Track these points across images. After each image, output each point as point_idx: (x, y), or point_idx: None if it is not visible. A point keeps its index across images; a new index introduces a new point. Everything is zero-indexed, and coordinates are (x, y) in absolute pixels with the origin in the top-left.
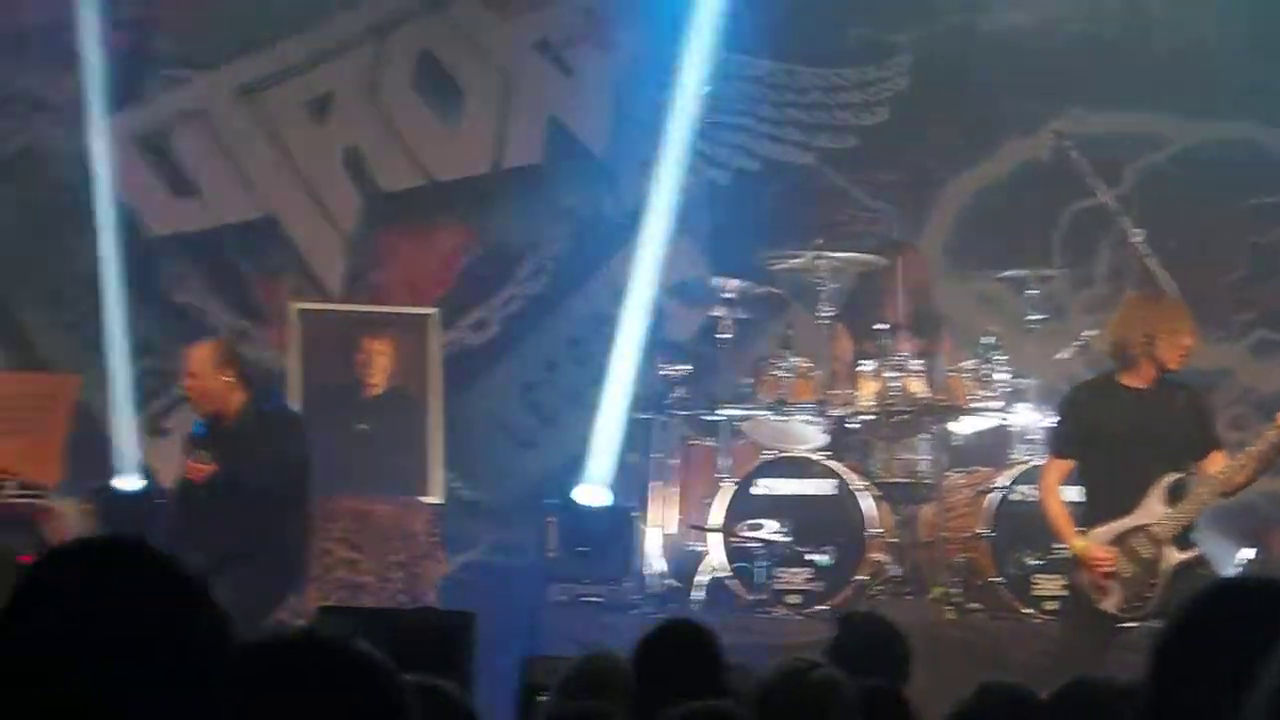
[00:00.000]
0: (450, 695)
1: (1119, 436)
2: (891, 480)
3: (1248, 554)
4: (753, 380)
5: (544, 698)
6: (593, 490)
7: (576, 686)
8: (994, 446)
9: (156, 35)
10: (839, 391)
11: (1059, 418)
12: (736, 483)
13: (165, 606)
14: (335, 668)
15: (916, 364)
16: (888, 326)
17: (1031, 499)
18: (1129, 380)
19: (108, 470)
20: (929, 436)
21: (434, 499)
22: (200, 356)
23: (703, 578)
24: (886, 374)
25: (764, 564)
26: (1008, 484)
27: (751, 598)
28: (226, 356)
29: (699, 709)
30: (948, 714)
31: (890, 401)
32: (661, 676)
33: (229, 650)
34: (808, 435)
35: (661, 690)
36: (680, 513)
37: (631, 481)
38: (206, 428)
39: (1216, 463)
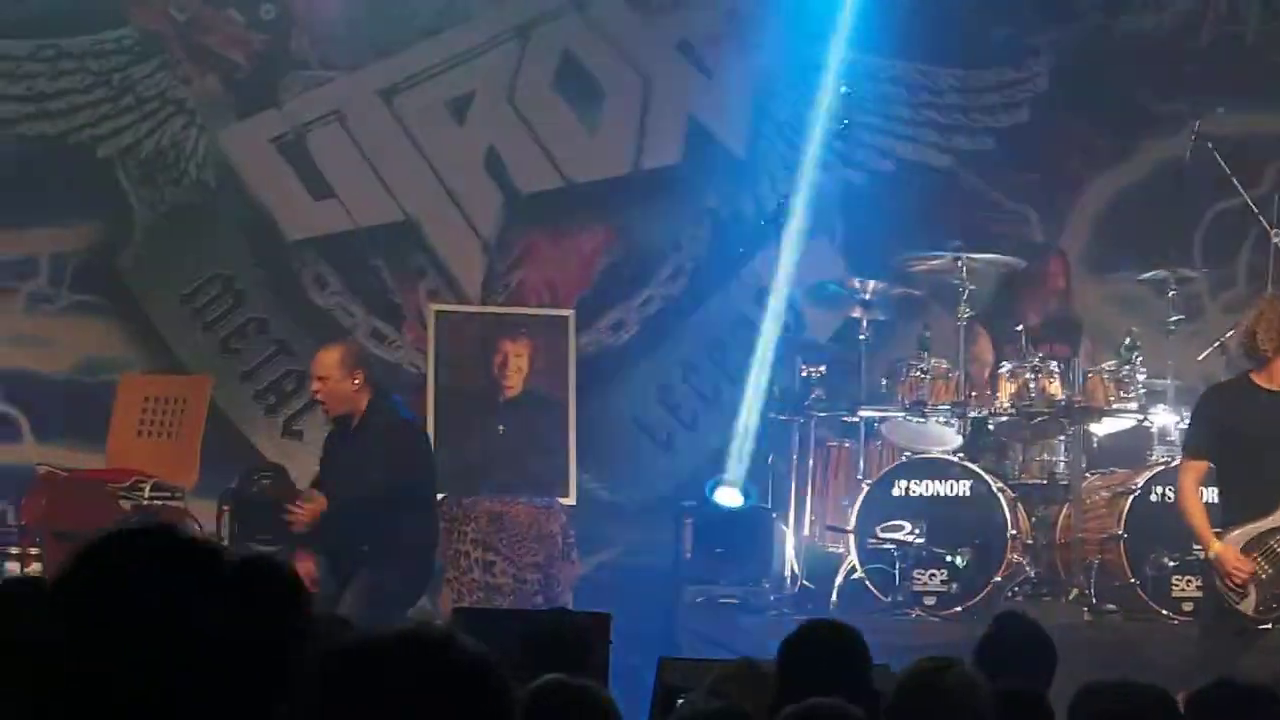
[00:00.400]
0: (594, 694)
1: (1254, 438)
2: (1029, 482)
3: None
4: (890, 382)
5: (683, 699)
6: (730, 491)
7: (720, 688)
8: (1132, 448)
9: (295, 37)
10: (977, 393)
11: (1193, 419)
12: (874, 484)
13: (183, 593)
14: (436, 666)
15: (1055, 365)
16: (1026, 328)
17: (1169, 500)
18: (1263, 381)
19: (244, 471)
20: (1066, 438)
21: (570, 500)
22: (328, 360)
23: (840, 579)
24: (1025, 375)
25: (901, 565)
26: (1145, 485)
27: (888, 599)
28: (355, 359)
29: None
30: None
31: (1028, 403)
32: (806, 677)
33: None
34: (945, 437)
35: (805, 691)
36: (817, 514)
37: (769, 483)
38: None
39: None
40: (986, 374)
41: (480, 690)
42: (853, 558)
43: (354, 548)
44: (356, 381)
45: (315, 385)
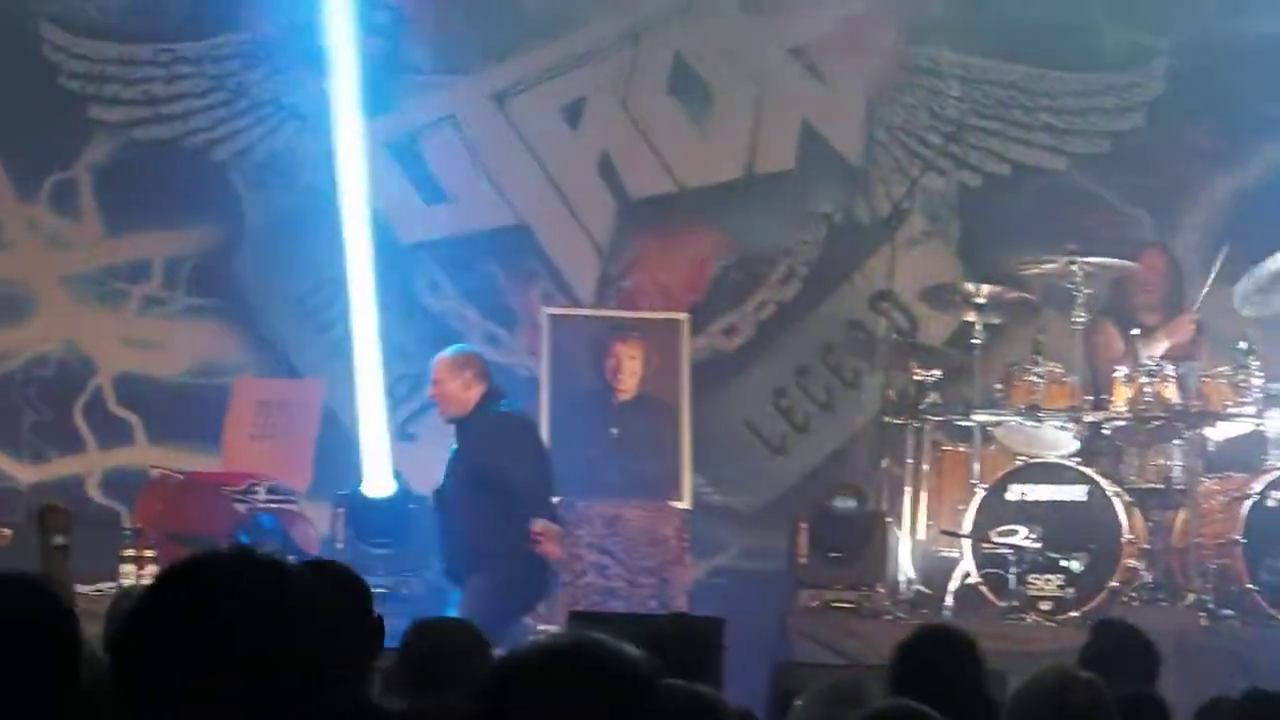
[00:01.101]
0: (714, 702)
1: None
2: (1144, 486)
3: None
4: (1005, 386)
5: (797, 704)
6: (843, 496)
7: (831, 697)
8: (1249, 452)
9: (408, 41)
10: (1092, 397)
11: None
12: (988, 488)
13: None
14: (601, 672)
15: (1171, 369)
16: (1142, 332)
17: None
18: None
19: (356, 475)
20: (1182, 442)
21: (684, 504)
22: (441, 363)
23: (954, 584)
24: (1141, 379)
25: (1016, 570)
26: (1263, 490)
27: (1003, 604)
28: (466, 361)
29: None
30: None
31: (1144, 407)
32: (918, 683)
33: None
34: (1060, 441)
35: (917, 696)
36: (932, 518)
37: (883, 487)
38: None
39: None
40: (1099, 378)
41: (645, 700)
42: (967, 562)
43: (467, 550)
44: (467, 383)
45: (431, 390)
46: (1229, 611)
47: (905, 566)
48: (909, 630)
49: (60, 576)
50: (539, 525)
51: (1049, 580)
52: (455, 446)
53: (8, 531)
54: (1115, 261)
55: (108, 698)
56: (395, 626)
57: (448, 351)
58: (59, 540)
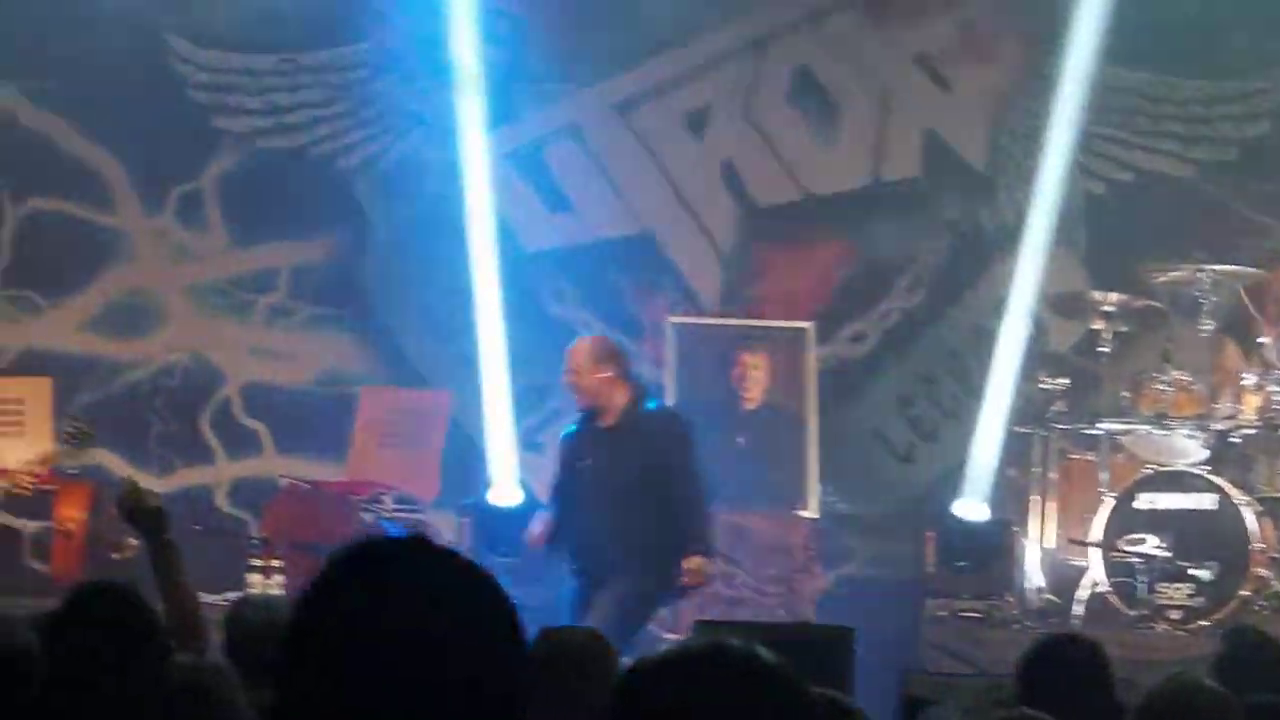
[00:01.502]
0: (845, 706)
1: None
2: (1274, 495)
3: None
4: (1132, 394)
5: (927, 713)
6: (971, 505)
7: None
8: None
9: (532, 52)
10: (1221, 405)
11: None
12: (1117, 497)
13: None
14: (745, 682)
15: None
16: (1271, 340)
17: None
18: None
19: (483, 484)
20: None
21: (811, 513)
22: (579, 353)
23: (1083, 593)
24: (1270, 387)
25: (1145, 579)
26: None
27: (1132, 613)
28: (607, 352)
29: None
30: None
31: (1273, 415)
32: (1047, 692)
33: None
34: (1189, 449)
35: (1047, 706)
36: (1060, 527)
37: (1010, 496)
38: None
39: None
40: (1232, 386)
41: (787, 706)
42: (1096, 571)
43: (613, 550)
44: (607, 374)
45: (567, 378)
46: None
47: (1033, 575)
48: (1035, 639)
49: (169, 572)
50: (694, 563)
51: (1178, 589)
52: (572, 432)
53: (134, 542)
54: (1243, 269)
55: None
56: None
57: (586, 341)
58: (164, 537)
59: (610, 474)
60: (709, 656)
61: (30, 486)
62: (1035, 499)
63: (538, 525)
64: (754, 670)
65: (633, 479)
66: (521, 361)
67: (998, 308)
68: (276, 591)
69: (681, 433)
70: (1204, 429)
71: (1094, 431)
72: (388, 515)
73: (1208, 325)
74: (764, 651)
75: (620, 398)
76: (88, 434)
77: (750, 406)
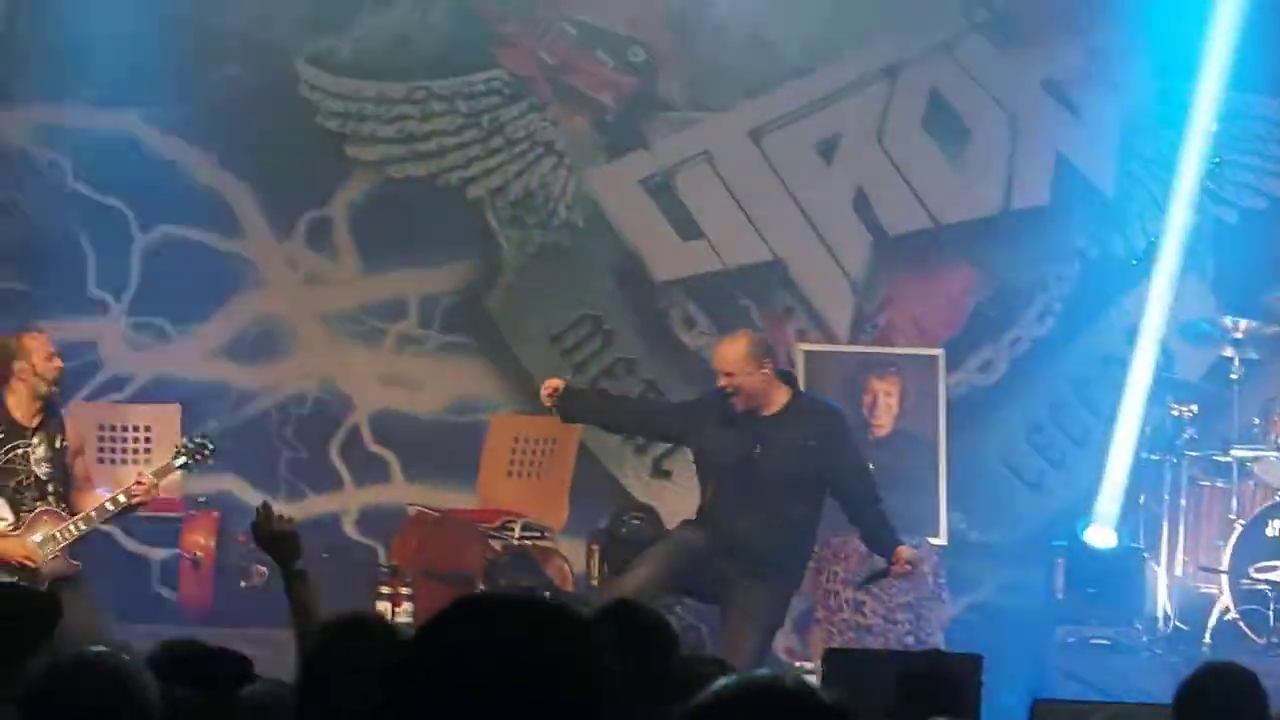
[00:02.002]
0: None
1: None
2: None
3: None
4: (1263, 421)
5: None
6: (1101, 531)
7: None
8: None
9: (663, 79)
10: None
11: None
12: (1247, 524)
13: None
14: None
15: None
16: None
17: None
18: None
19: (613, 512)
20: None
21: (941, 540)
22: (733, 353)
23: (1213, 620)
24: None
25: (1276, 606)
26: None
27: (1262, 640)
28: (763, 349)
29: None
30: None
31: None
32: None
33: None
34: None
35: None
36: (1189, 554)
37: (1140, 523)
38: None
39: None
40: None
41: None
42: (1226, 598)
43: (759, 552)
44: (766, 371)
45: (723, 380)
46: None
47: (1163, 603)
48: (1165, 667)
49: (303, 600)
50: (906, 553)
51: None
52: (726, 444)
53: (263, 570)
54: None
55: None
56: None
57: (739, 340)
58: (297, 565)
59: (781, 464)
60: (764, 695)
61: (142, 497)
62: (1165, 526)
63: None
64: (810, 710)
65: (804, 471)
66: (651, 389)
67: (1128, 335)
68: (404, 619)
69: (846, 425)
70: None
71: (1224, 458)
72: (516, 543)
73: None
74: (820, 690)
75: (780, 394)
76: (207, 449)
77: (880, 434)
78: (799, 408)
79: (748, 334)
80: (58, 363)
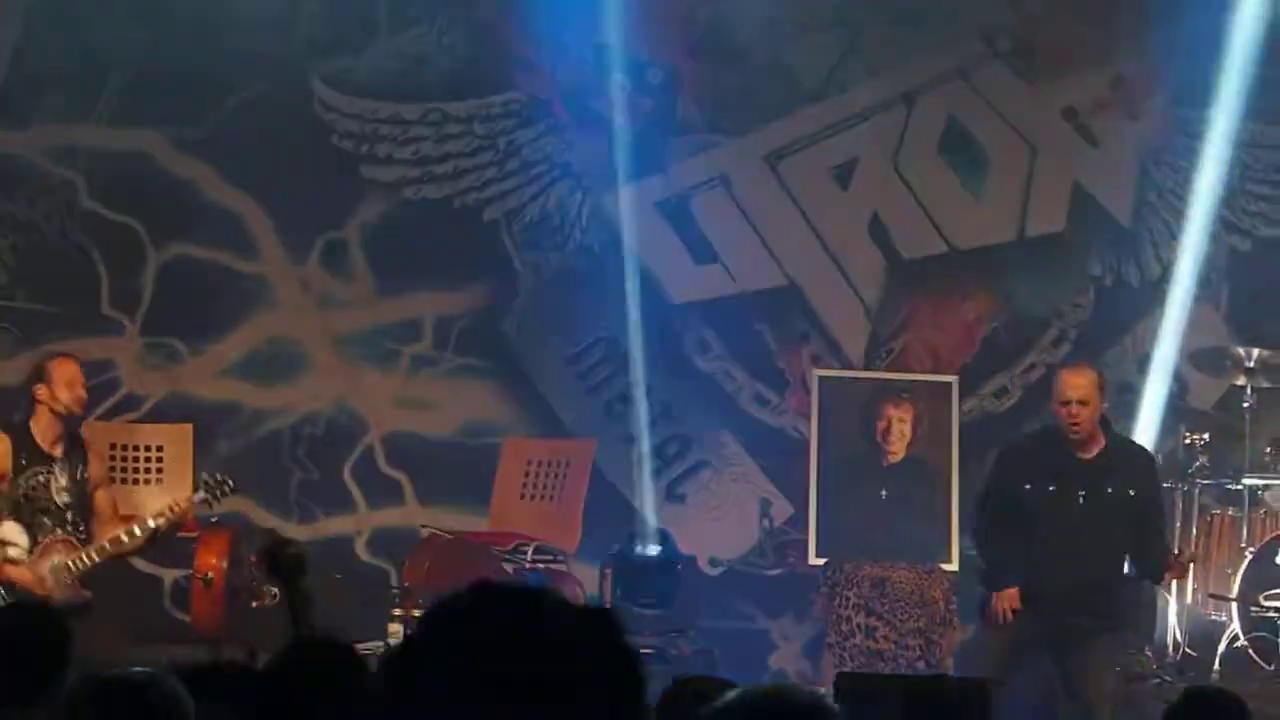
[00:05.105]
0: None
1: None
2: None
3: None
4: (1275, 450)
5: None
6: None
7: None
8: None
9: (680, 102)
10: None
11: None
12: (1257, 552)
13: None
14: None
15: None
16: None
17: None
18: None
19: (625, 535)
20: None
21: (953, 566)
22: (1086, 381)
23: (1223, 647)
24: None
25: None
26: None
27: (1271, 668)
28: (1102, 383)
29: None
30: None
31: None
32: None
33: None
34: None
35: None
36: (1200, 582)
37: None
38: None
39: None
40: None
41: None
42: (1235, 626)
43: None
44: (1104, 405)
45: (1075, 410)
46: None
47: (1174, 629)
48: (1178, 693)
49: (293, 622)
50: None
51: None
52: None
53: (275, 591)
54: None
55: None
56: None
57: (1090, 370)
58: (304, 586)
59: (1098, 510)
60: (772, 705)
61: (165, 528)
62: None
63: (1003, 600)
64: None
65: (1119, 516)
66: (665, 412)
67: (1141, 363)
68: None
69: (1155, 467)
70: None
71: (1236, 487)
72: (529, 566)
73: None
74: (828, 702)
75: (1099, 436)
76: (228, 486)
77: (894, 459)
78: (1118, 449)
79: (1089, 363)
80: (80, 392)
